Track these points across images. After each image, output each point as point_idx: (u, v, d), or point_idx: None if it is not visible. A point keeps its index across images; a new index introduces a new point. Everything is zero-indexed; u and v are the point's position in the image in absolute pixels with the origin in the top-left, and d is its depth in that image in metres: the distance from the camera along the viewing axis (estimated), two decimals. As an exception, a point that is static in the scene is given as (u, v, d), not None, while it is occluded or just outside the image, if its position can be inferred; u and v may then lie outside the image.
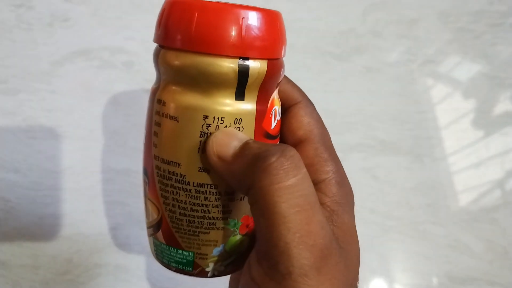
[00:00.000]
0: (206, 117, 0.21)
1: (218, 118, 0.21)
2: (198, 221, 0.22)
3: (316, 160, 0.23)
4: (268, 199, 0.18)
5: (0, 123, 0.45)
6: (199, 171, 0.22)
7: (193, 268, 0.24)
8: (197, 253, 0.23)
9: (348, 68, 0.53)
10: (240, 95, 0.21)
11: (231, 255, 0.24)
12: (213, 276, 0.24)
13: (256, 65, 0.21)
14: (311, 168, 0.23)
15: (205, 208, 0.22)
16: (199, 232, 0.23)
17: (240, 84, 0.21)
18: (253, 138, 0.22)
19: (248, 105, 0.22)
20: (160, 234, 0.24)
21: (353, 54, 0.53)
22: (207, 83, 0.21)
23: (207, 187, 0.22)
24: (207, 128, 0.21)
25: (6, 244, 0.43)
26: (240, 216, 0.23)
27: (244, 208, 0.23)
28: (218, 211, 0.22)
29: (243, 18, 0.20)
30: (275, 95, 0.23)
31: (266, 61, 0.21)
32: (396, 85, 0.54)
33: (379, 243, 0.49)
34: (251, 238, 0.24)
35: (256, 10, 0.21)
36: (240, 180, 0.20)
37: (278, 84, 0.23)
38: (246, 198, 0.22)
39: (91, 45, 0.49)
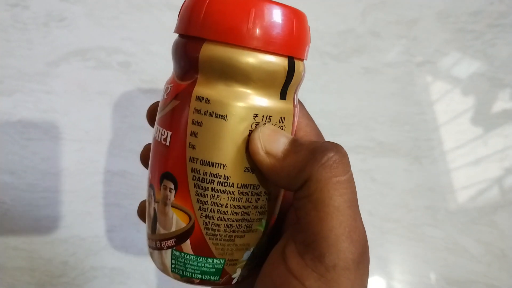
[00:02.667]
0: (256, 115, 0.21)
1: (266, 117, 0.21)
2: (236, 225, 0.22)
3: None
4: (326, 192, 0.18)
5: (-5, 124, 0.45)
6: (244, 171, 0.21)
7: (221, 277, 0.23)
8: (228, 259, 0.23)
9: (347, 68, 0.53)
10: (283, 94, 0.22)
11: (257, 257, 0.24)
12: (237, 282, 0.24)
13: (298, 65, 0.21)
14: None
15: (245, 210, 0.22)
16: (235, 236, 0.22)
17: (286, 83, 0.21)
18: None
19: (289, 105, 0.22)
20: (187, 244, 0.22)
21: (351, 54, 0.53)
22: (257, 80, 0.21)
23: (250, 188, 0.22)
24: (256, 127, 0.21)
25: (2, 247, 0.43)
26: (271, 217, 0.23)
27: (277, 209, 0.23)
28: (256, 212, 0.22)
29: (293, 18, 0.21)
30: (297, 96, 0.24)
31: (303, 62, 0.22)
32: (395, 86, 0.53)
33: (378, 245, 0.49)
34: (269, 238, 0.24)
35: (297, 11, 0.21)
36: (292, 175, 0.20)
37: None
38: (280, 198, 0.23)
39: (87, 45, 0.48)
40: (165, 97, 0.23)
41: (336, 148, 0.19)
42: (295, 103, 0.23)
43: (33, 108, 0.46)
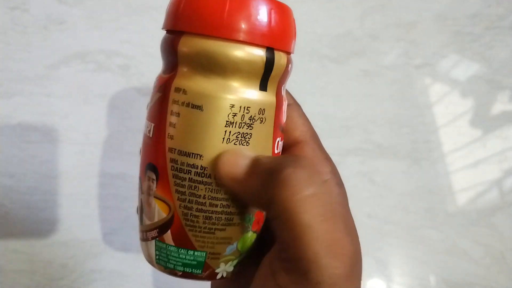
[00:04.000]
0: (232, 106, 0.21)
1: (244, 108, 0.21)
2: (216, 217, 0.22)
3: (315, 161, 0.23)
4: (291, 211, 0.18)
5: (-6, 127, 0.45)
6: None
7: (203, 270, 0.23)
8: (210, 252, 0.23)
9: (346, 71, 0.53)
10: (263, 86, 0.21)
11: (241, 253, 0.23)
12: (221, 277, 0.24)
13: (279, 57, 0.21)
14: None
15: (224, 203, 0.22)
16: (215, 229, 0.22)
17: (266, 74, 0.21)
18: (272, 129, 0.22)
19: (270, 96, 0.22)
20: (168, 235, 0.23)
21: (350, 57, 0.53)
22: (235, 71, 0.21)
23: None
24: (233, 117, 0.21)
25: (1, 250, 0.43)
26: (254, 211, 0.23)
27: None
28: (236, 205, 0.22)
29: (271, 9, 0.21)
30: (284, 90, 0.23)
31: (286, 54, 0.22)
32: (394, 88, 0.53)
33: (377, 248, 0.49)
34: (258, 237, 0.24)
35: (279, 3, 0.21)
36: (257, 197, 0.20)
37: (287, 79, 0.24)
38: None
39: (86, 48, 0.48)
40: (152, 91, 0.23)
41: (294, 162, 0.19)
42: (282, 95, 0.23)
43: (32, 111, 0.46)
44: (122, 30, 0.49)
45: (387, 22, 0.55)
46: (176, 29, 0.21)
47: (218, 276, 0.23)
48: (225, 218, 0.22)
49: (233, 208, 0.22)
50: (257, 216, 0.23)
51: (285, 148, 0.24)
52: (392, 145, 0.52)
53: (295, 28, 0.23)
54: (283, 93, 0.23)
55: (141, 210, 0.24)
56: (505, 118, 0.55)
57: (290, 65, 0.23)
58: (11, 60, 0.47)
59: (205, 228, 0.22)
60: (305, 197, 0.18)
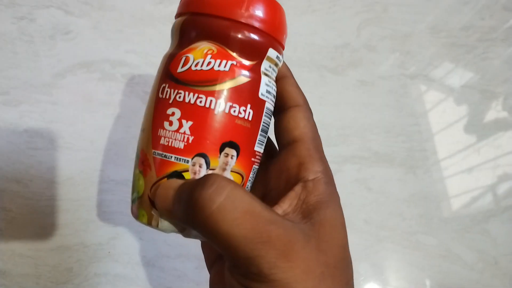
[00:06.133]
0: None
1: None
2: None
3: (307, 159, 0.24)
4: (209, 229, 0.19)
5: (1, 134, 0.46)
6: None
7: None
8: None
9: (343, 81, 0.54)
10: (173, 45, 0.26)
11: (134, 190, 0.25)
12: (132, 214, 0.25)
13: (178, 20, 0.25)
14: (301, 166, 0.24)
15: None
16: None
17: (171, 35, 0.26)
18: (159, 76, 0.25)
19: (169, 51, 0.25)
20: None
21: (348, 67, 0.55)
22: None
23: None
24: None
25: (7, 254, 0.44)
26: (139, 149, 0.25)
27: (141, 141, 0.25)
28: (138, 139, 0.25)
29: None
30: (198, 45, 0.24)
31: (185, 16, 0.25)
32: (390, 97, 0.55)
33: (373, 253, 0.50)
34: (146, 185, 0.24)
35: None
36: (184, 224, 0.22)
37: (208, 37, 0.24)
38: (144, 131, 0.24)
39: (92, 57, 0.50)
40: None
41: (201, 183, 0.20)
42: (183, 48, 0.25)
43: (39, 119, 0.47)
44: (127, 40, 0.51)
45: (383, 34, 0.56)
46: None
47: (131, 207, 0.26)
48: (136, 151, 0.26)
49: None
50: (142, 155, 0.24)
51: (285, 145, 0.25)
52: (388, 153, 0.53)
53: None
54: (192, 47, 0.24)
55: None
56: (498, 126, 0.56)
57: (193, 23, 0.25)
58: (18, 68, 0.48)
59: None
60: (215, 210, 0.19)
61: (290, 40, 0.53)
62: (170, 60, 0.24)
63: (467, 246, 0.51)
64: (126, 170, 0.47)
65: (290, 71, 0.27)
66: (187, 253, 0.46)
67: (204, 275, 0.45)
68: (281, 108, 0.26)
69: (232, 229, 0.19)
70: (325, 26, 0.56)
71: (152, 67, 0.50)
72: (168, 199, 0.22)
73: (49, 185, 0.46)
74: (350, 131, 0.53)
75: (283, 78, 0.27)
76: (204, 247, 0.30)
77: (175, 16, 0.26)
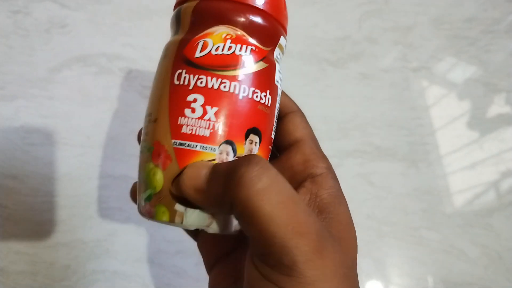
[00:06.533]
0: None
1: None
2: (140, 147, 0.25)
3: (312, 157, 0.25)
4: (251, 207, 0.18)
5: (-3, 129, 0.45)
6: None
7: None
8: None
9: (344, 74, 0.54)
10: (176, 30, 0.25)
11: (147, 187, 0.23)
12: (140, 213, 0.24)
13: (187, 5, 0.24)
14: (307, 163, 0.24)
15: (143, 132, 0.24)
16: (139, 155, 0.24)
17: (177, 21, 0.25)
18: (172, 62, 0.23)
19: (178, 36, 0.24)
20: None
21: (349, 60, 0.54)
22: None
23: (146, 112, 0.25)
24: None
25: (4, 251, 0.43)
26: (152, 141, 0.23)
27: (155, 132, 0.23)
28: (144, 133, 0.24)
29: None
30: (216, 30, 0.23)
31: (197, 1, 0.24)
32: (392, 91, 0.54)
33: (375, 248, 0.49)
34: (165, 179, 0.23)
35: None
36: (220, 202, 0.21)
37: (226, 21, 0.23)
38: (158, 121, 0.23)
39: (88, 51, 0.49)
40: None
41: (247, 161, 0.19)
42: (198, 33, 0.24)
43: (35, 114, 0.46)
44: (124, 34, 0.50)
45: (384, 26, 0.56)
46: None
47: (138, 209, 0.24)
48: (140, 146, 0.24)
49: (142, 135, 0.24)
50: (156, 147, 0.23)
51: (286, 147, 0.26)
52: (390, 147, 0.52)
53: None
54: (208, 32, 0.23)
55: None
56: (501, 120, 0.55)
57: (206, 8, 0.24)
58: (14, 63, 0.47)
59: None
60: (261, 190, 0.18)
61: (290, 33, 0.52)
62: (184, 45, 0.23)
63: (471, 241, 0.51)
64: (124, 166, 0.47)
65: None
66: (186, 249, 0.46)
67: (203, 272, 0.44)
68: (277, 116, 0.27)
69: (275, 213, 0.18)
70: (325, 18, 0.55)
71: (149, 61, 0.50)
72: (200, 178, 0.21)
73: (46, 181, 0.45)
74: (352, 125, 0.52)
75: None
76: (203, 250, 0.29)
77: (180, 2, 0.25)
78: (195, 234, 0.30)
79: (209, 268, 0.28)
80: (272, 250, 0.18)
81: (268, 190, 0.18)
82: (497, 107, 0.56)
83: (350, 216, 0.23)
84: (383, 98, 0.54)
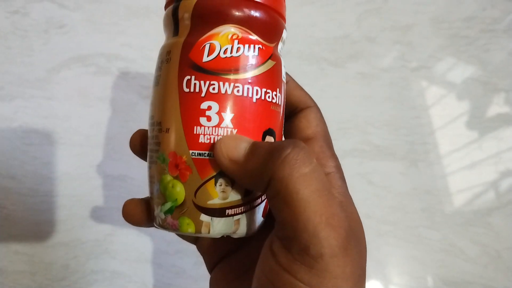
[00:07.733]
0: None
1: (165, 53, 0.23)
2: (148, 155, 0.24)
3: (321, 156, 0.25)
4: (291, 188, 0.18)
5: (-4, 129, 0.45)
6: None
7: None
8: (149, 195, 0.24)
9: (343, 74, 0.53)
10: (176, 31, 0.23)
11: (166, 199, 0.22)
12: (159, 226, 0.23)
13: (185, 3, 0.23)
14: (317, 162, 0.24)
15: (151, 141, 0.23)
16: (148, 168, 0.24)
17: (175, 21, 0.23)
18: (177, 68, 0.22)
19: (179, 39, 0.23)
20: None
21: (348, 60, 0.54)
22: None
23: (151, 119, 0.23)
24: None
25: (3, 251, 0.43)
26: (166, 152, 0.22)
27: (169, 143, 0.22)
28: (153, 143, 0.23)
29: None
30: (221, 30, 0.22)
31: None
32: (391, 90, 0.54)
33: (375, 248, 0.49)
34: (186, 190, 0.22)
35: None
36: (256, 177, 0.20)
37: (230, 20, 0.23)
38: (171, 131, 0.22)
39: (87, 51, 0.49)
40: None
41: (293, 144, 0.20)
42: (201, 36, 0.22)
43: (33, 114, 0.46)
44: (122, 34, 0.50)
45: (383, 26, 0.56)
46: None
47: (155, 222, 0.24)
48: (150, 156, 0.24)
49: (151, 146, 0.23)
50: (172, 158, 0.22)
51: None
52: (389, 146, 0.52)
53: None
54: (211, 33, 0.22)
55: None
56: (501, 120, 0.55)
57: (208, 6, 0.23)
58: (12, 63, 0.47)
59: (148, 168, 0.25)
60: (304, 174, 0.19)
61: (289, 33, 0.52)
62: (189, 49, 0.22)
63: (471, 240, 0.50)
64: (123, 165, 0.46)
65: (289, 74, 0.27)
66: (186, 249, 0.46)
67: (202, 271, 0.45)
68: (292, 112, 0.27)
69: (313, 198, 0.18)
70: (324, 18, 0.55)
71: (148, 61, 0.49)
72: (239, 150, 0.21)
73: (45, 181, 0.45)
74: (351, 124, 0.52)
75: (286, 83, 0.27)
76: (204, 253, 0.29)
77: (171, 1, 0.24)
78: (195, 239, 0.29)
79: (211, 267, 0.28)
80: (302, 236, 0.18)
81: (310, 176, 0.19)
82: (496, 107, 0.55)
83: (359, 217, 0.24)
84: (383, 97, 0.54)
